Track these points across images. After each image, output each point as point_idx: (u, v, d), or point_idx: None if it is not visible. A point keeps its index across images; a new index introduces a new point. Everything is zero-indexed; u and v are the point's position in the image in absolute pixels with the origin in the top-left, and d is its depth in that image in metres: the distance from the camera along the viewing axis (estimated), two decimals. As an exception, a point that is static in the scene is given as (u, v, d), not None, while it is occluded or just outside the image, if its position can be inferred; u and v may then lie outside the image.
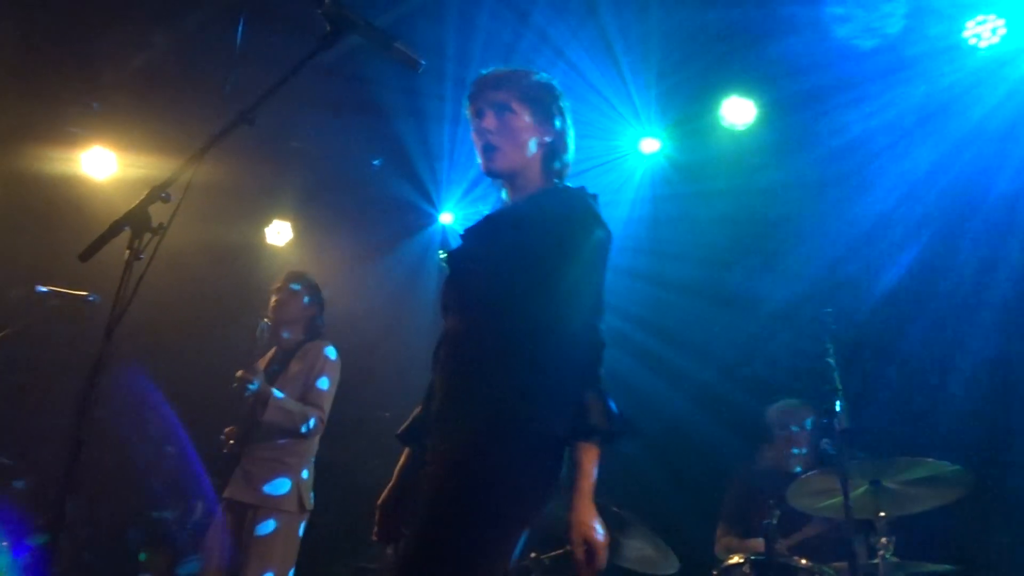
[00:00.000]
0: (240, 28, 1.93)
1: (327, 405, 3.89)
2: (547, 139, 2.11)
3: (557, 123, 2.12)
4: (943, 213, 4.59)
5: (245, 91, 1.93)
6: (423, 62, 2.03)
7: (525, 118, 2.09)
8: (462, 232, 2.16)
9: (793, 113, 4.76)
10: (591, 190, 2.11)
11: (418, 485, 1.99)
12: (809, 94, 4.57)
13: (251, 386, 3.64)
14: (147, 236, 1.83)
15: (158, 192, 1.85)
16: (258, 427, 3.75)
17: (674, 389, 5.19)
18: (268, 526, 3.61)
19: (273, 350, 4.12)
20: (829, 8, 4.21)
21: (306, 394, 3.84)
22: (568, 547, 3.68)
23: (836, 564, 3.39)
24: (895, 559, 3.26)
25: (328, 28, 1.85)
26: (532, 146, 2.09)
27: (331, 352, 3.98)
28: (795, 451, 4.09)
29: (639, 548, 3.75)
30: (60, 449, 1.68)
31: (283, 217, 6.37)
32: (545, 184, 2.11)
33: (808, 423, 4.10)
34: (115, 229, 1.84)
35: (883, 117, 4.56)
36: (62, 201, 5.30)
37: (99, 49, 4.86)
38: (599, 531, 1.79)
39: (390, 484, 2.16)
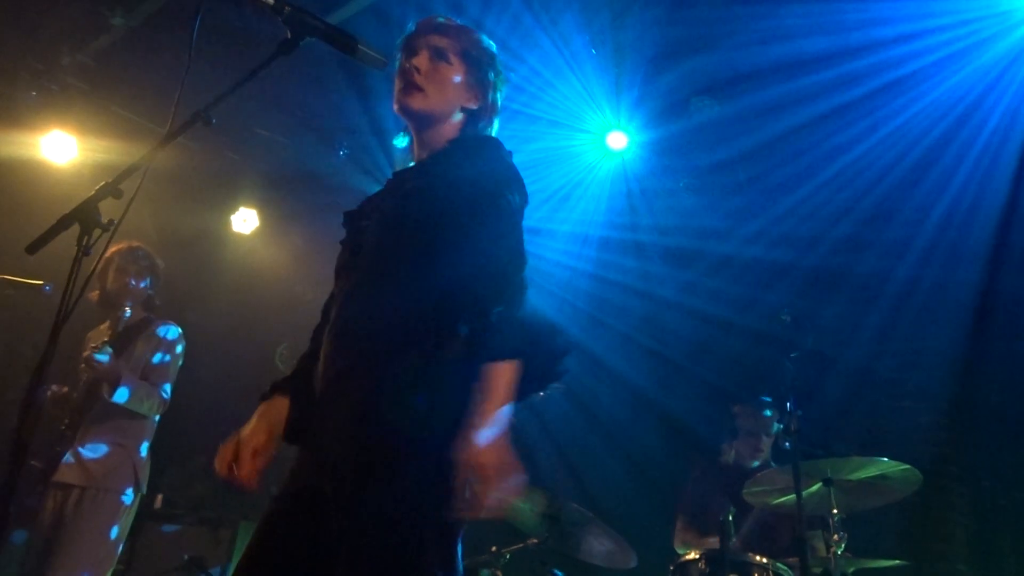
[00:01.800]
0: (196, 24, 1.86)
1: (170, 383, 3.75)
2: (473, 106, 1.94)
3: (490, 96, 1.96)
4: (905, 214, 4.67)
5: (204, 88, 1.88)
6: (387, 60, 2.00)
7: (459, 75, 1.92)
8: (368, 196, 1.97)
9: (757, 110, 4.80)
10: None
11: (295, 472, 1.74)
12: (774, 95, 4.61)
13: (100, 356, 3.42)
14: (97, 232, 1.79)
15: (110, 188, 1.81)
16: (94, 407, 3.60)
17: (633, 387, 5.24)
18: (97, 508, 3.47)
19: (106, 326, 3.85)
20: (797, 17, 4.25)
21: (148, 373, 3.71)
22: (528, 540, 3.74)
23: (790, 559, 3.46)
24: (848, 555, 3.33)
25: (288, 34, 1.80)
26: (456, 105, 1.92)
27: (172, 331, 3.85)
28: (755, 456, 4.14)
29: (598, 543, 3.79)
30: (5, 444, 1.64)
31: (249, 205, 6.30)
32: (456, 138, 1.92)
33: (774, 429, 4.14)
34: (64, 224, 1.79)
35: (841, 112, 4.62)
36: (19, 186, 5.18)
37: (58, 31, 4.75)
38: (500, 459, 1.45)
39: (257, 424, 1.84)
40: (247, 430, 1.84)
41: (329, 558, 1.54)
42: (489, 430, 1.48)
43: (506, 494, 1.44)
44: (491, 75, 1.97)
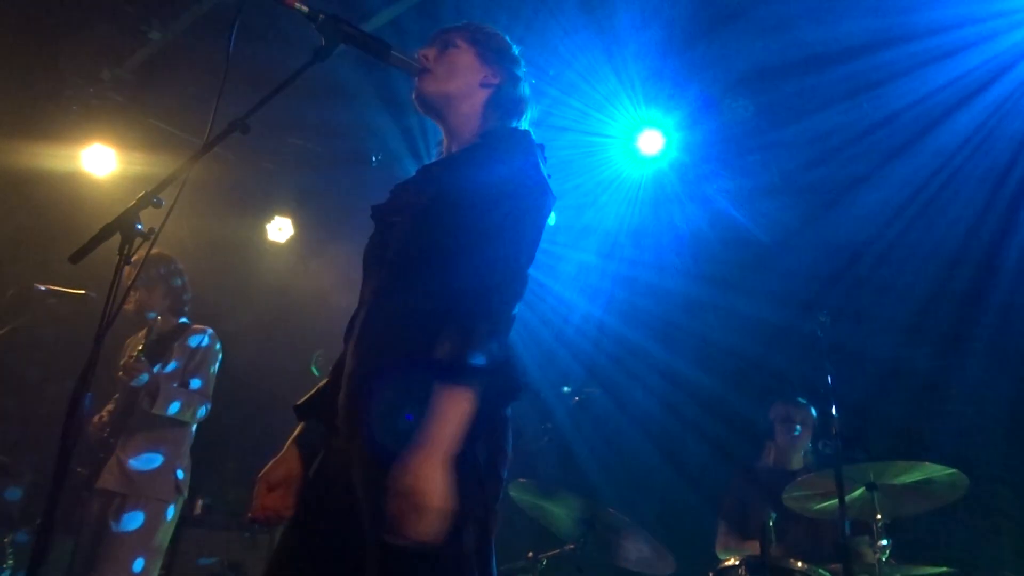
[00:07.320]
0: (233, 34, 1.88)
1: (211, 391, 3.82)
2: (493, 80, 1.93)
3: (506, 63, 1.95)
4: (941, 214, 4.57)
5: (240, 98, 1.90)
6: (418, 65, 2.00)
7: (469, 56, 1.93)
8: (393, 187, 1.94)
9: (794, 111, 4.73)
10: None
11: (320, 475, 1.75)
12: (811, 91, 4.54)
13: (141, 379, 3.52)
14: (138, 241, 1.81)
15: (150, 197, 1.83)
16: (134, 415, 3.66)
17: (672, 393, 5.19)
18: (137, 518, 3.52)
19: (143, 333, 3.90)
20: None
21: (188, 380, 3.76)
22: (564, 546, 3.72)
23: (832, 566, 3.39)
24: (892, 562, 3.26)
25: (323, 42, 1.82)
26: (473, 83, 1.91)
27: (207, 337, 3.89)
28: (793, 451, 4.11)
29: (637, 549, 3.75)
30: (54, 450, 1.67)
31: (284, 214, 6.38)
32: (486, 129, 1.90)
33: (808, 423, 4.09)
34: (105, 233, 1.82)
35: (883, 113, 4.54)
36: (62, 198, 5.30)
37: (98, 47, 4.86)
38: (435, 493, 1.39)
39: (279, 457, 1.86)
40: (271, 464, 1.86)
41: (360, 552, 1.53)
42: (428, 453, 1.42)
43: (424, 526, 1.37)
44: (502, 49, 1.98)
